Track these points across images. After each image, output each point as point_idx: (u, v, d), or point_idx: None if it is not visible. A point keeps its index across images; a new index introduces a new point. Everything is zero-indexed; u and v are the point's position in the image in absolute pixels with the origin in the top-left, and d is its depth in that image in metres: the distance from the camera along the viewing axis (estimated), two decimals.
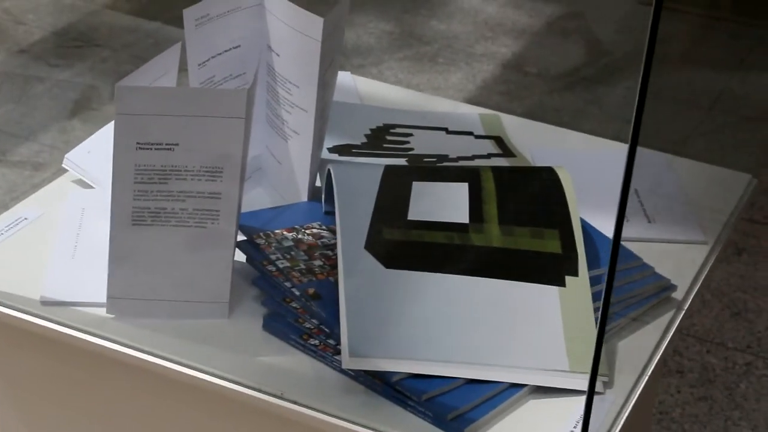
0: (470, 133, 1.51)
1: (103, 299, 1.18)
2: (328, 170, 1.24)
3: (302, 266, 1.21)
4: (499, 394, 1.10)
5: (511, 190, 1.23)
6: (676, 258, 1.31)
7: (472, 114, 1.57)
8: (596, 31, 2.49)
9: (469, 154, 1.44)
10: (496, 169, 1.27)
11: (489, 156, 1.44)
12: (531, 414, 1.10)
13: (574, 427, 1.09)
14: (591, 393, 1.00)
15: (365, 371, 1.10)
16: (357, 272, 1.15)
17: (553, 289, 1.17)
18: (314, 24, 1.23)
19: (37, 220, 1.31)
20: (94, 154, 1.38)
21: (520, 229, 1.20)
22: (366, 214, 1.19)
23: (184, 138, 1.11)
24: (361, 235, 1.17)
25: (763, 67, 1.64)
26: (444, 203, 1.21)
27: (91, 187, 1.36)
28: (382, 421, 1.08)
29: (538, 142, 1.51)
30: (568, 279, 1.18)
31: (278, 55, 1.30)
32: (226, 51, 1.30)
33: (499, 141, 1.50)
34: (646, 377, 1.15)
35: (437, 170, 1.27)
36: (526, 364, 1.12)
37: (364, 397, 1.11)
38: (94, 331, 1.17)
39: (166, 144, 1.11)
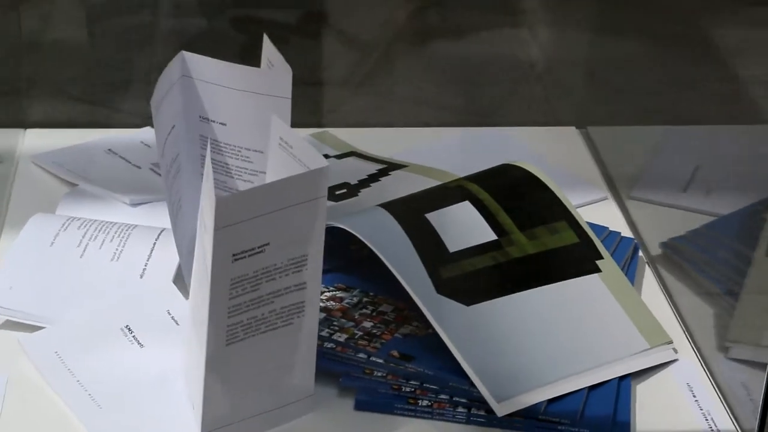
0: (326, 156, 1.47)
1: None
2: (330, 226, 1.17)
3: (358, 333, 1.14)
4: (622, 391, 1.12)
5: (505, 196, 1.23)
6: (596, 218, 1.37)
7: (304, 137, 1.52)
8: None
9: (365, 175, 1.41)
10: (473, 179, 1.26)
11: (386, 172, 1.42)
12: (650, 398, 1.13)
13: (695, 398, 1.14)
14: None
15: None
16: (449, 320, 1.11)
17: (595, 277, 1.20)
18: (282, 80, 1.15)
19: (10, 386, 1.11)
20: (19, 288, 1.19)
21: (539, 230, 1.21)
22: (412, 258, 1.15)
23: (274, 235, 1.00)
24: (425, 282, 1.13)
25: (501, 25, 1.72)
26: (465, 227, 1.19)
27: (38, 327, 1.17)
28: None
29: (384, 148, 1.51)
30: (599, 263, 1.21)
31: (224, 124, 1.19)
32: (168, 136, 1.17)
33: (360, 155, 1.47)
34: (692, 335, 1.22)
35: (427, 197, 1.24)
36: (620, 354, 1.15)
37: None
38: None
39: (259, 247, 1.00)
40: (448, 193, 1.23)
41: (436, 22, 1.76)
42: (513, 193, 1.24)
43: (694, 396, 1.14)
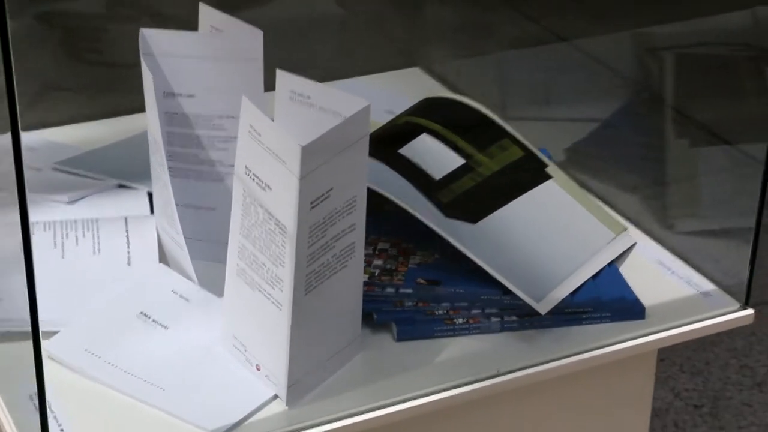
0: None
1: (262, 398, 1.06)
2: None
3: (376, 271, 1.18)
4: (615, 276, 1.22)
5: (452, 125, 1.30)
6: None
7: None
8: None
9: None
10: (414, 114, 1.32)
11: None
12: (634, 278, 1.23)
13: (671, 271, 1.26)
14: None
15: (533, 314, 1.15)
16: (464, 239, 1.17)
17: (551, 183, 1.29)
18: (252, 41, 1.16)
19: (54, 393, 1.08)
20: (11, 298, 1.14)
21: (492, 149, 1.29)
22: (410, 191, 1.20)
23: (335, 179, 1.03)
24: (431, 209, 1.18)
25: None
26: (436, 156, 1.25)
27: (52, 332, 1.13)
28: (578, 340, 1.15)
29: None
30: (547, 170, 1.31)
31: (192, 96, 1.19)
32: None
33: None
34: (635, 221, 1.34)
35: (388, 135, 1.29)
36: (599, 245, 1.25)
37: (548, 335, 1.16)
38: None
39: (326, 192, 1.02)
40: (403, 129, 1.28)
41: None
42: (456, 121, 1.31)
43: (669, 269, 1.26)
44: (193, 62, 1.17)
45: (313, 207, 1.01)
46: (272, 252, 1.03)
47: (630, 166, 1.42)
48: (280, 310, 1.03)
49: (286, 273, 1.01)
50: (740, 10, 1.81)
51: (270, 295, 1.04)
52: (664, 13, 1.76)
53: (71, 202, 1.31)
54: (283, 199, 1.00)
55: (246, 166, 1.04)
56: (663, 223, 1.32)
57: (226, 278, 1.10)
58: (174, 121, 1.19)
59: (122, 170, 1.36)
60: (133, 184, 1.34)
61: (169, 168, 1.22)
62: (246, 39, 1.16)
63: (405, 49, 1.73)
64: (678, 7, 1.75)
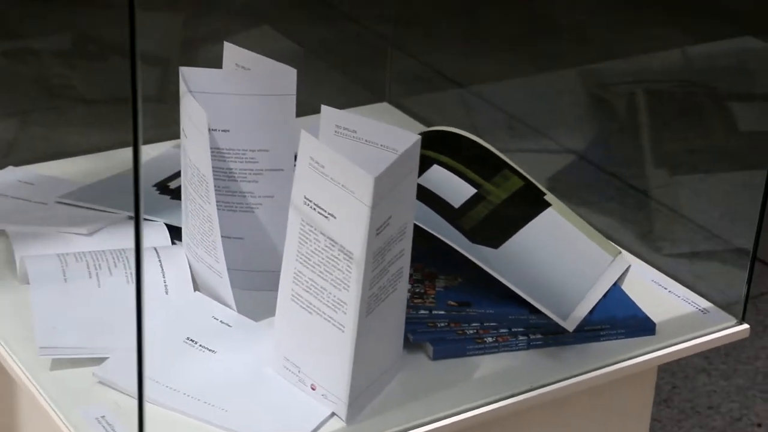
0: None
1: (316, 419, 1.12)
2: None
3: (408, 294, 1.24)
4: (622, 296, 1.31)
5: (459, 156, 1.37)
6: None
7: None
8: None
9: None
10: (422, 146, 1.38)
11: None
12: (635, 297, 1.32)
13: (668, 290, 1.35)
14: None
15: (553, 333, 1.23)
16: (494, 264, 1.24)
17: (551, 211, 1.37)
18: (287, 78, 1.22)
19: (115, 416, 1.11)
20: (62, 327, 1.17)
21: (497, 179, 1.37)
22: (435, 218, 1.26)
23: (395, 208, 1.09)
24: (458, 236, 1.25)
25: None
26: (450, 186, 1.32)
27: (100, 359, 1.16)
28: (595, 355, 1.23)
29: None
30: (546, 198, 1.39)
31: (227, 131, 1.23)
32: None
33: None
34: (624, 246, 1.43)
35: None
36: (602, 267, 1.34)
37: (570, 352, 1.23)
38: None
39: (387, 220, 1.08)
40: None
41: (205, 24, 1.83)
42: (462, 153, 1.38)
43: (665, 288, 1.35)
44: (230, 99, 1.22)
45: (378, 234, 1.07)
46: (335, 277, 1.08)
47: (609, 194, 1.51)
48: (343, 331, 1.08)
49: (352, 297, 1.07)
50: (669, 50, 1.93)
51: (331, 318, 1.09)
52: (600, 52, 1.87)
53: (90, 233, 1.33)
54: (350, 227, 1.05)
55: (305, 196, 1.09)
56: (650, 247, 1.40)
57: (279, 303, 1.14)
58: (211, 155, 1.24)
59: (127, 203, 1.39)
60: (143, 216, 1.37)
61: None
62: (280, 76, 1.21)
63: (368, 84, 1.79)
64: (610, 48, 1.86)
